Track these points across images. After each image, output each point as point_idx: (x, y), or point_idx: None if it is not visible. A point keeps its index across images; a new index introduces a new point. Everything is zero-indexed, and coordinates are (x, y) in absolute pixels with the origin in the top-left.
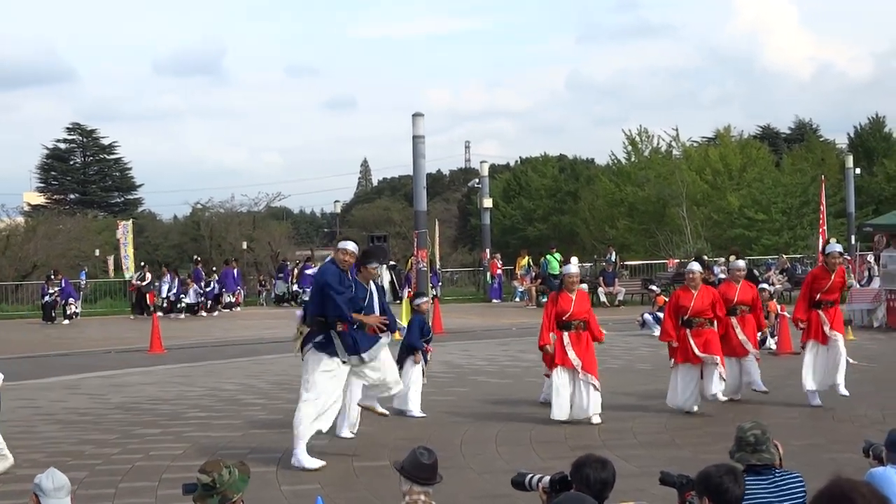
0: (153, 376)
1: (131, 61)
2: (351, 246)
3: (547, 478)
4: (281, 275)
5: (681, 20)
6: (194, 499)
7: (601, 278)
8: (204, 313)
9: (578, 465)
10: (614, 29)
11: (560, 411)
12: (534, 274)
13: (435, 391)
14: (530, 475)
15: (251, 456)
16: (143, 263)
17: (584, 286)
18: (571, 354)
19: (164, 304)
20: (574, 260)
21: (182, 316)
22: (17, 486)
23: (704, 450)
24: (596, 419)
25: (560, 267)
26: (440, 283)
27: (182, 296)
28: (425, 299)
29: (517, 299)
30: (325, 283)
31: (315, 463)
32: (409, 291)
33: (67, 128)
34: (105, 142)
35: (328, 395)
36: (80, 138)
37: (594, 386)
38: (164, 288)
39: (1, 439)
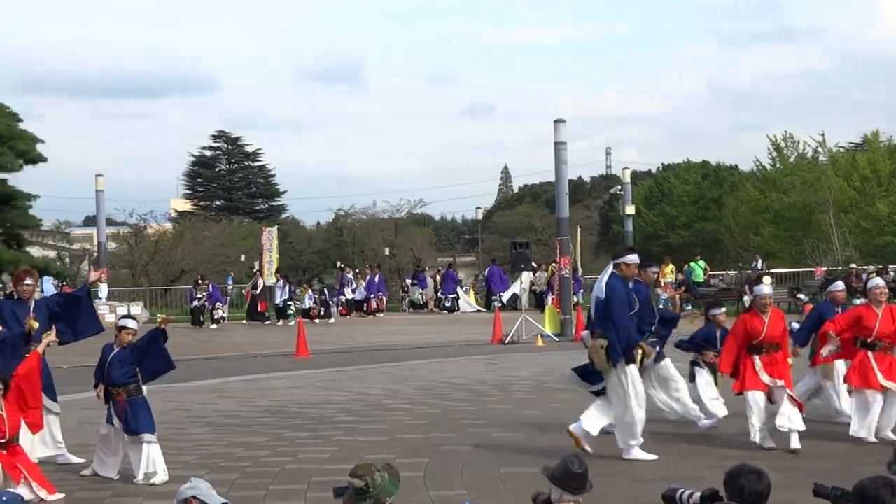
0: (300, 380)
1: (273, 70)
2: (635, 258)
3: (698, 494)
4: (416, 281)
5: (824, 23)
6: (345, 502)
7: (747, 286)
8: (317, 320)
9: (732, 475)
10: (756, 33)
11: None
12: (678, 281)
13: (582, 399)
14: (681, 490)
15: (398, 460)
16: (255, 270)
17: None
18: (766, 378)
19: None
20: (767, 279)
21: (291, 322)
22: (173, 486)
23: (856, 462)
24: (795, 442)
25: (704, 275)
26: (582, 290)
27: (290, 302)
28: (722, 310)
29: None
30: (616, 303)
31: (648, 455)
32: (552, 298)
33: (213, 135)
34: (249, 149)
35: (642, 398)
36: (225, 146)
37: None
38: (278, 294)
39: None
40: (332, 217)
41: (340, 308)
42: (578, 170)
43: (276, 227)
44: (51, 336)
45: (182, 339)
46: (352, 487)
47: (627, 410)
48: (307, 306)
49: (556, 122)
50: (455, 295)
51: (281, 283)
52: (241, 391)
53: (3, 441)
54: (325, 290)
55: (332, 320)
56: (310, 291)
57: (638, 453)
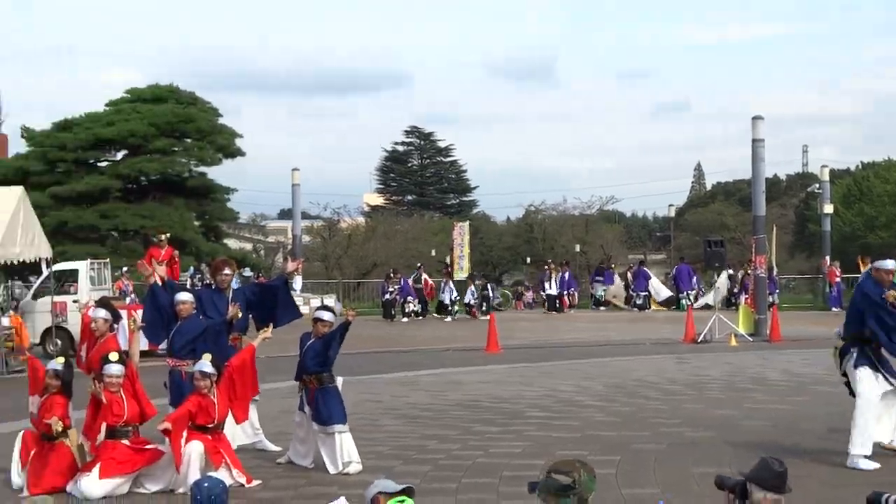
0: (491, 375)
1: (465, 66)
2: (891, 264)
3: None
4: (600, 278)
5: None
6: (544, 499)
7: None
8: (481, 316)
9: None
10: None
11: None
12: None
13: (776, 399)
14: (886, 495)
15: (590, 457)
16: (391, 273)
17: None
18: None
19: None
20: None
21: (405, 320)
22: (366, 475)
23: None
24: None
25: None
26: (777, 290)
27: (409, 298)
28: None
29: None
30: (873, 303)
31: (871, 465)
32: (746, 298)
33: (405, 131)
34: (441, 144)
35: (876, 405)
36: (418, 141)
37: None
38: (444, 290)
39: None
40: (522, 213)
41: (529, 303)
42: (773, 167)
43: (467, 223)
44: (267, 333)
45: (373, 332)
46: (554, 483)
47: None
48: (468, 302)
49: (754, 118)
50: (646, 293)
51: (445, 279)
52: (432, 384)
53: (210, 426)
54: (488, 286)
55: (486, 318)
56: (472, 287)
57: (862, 463)
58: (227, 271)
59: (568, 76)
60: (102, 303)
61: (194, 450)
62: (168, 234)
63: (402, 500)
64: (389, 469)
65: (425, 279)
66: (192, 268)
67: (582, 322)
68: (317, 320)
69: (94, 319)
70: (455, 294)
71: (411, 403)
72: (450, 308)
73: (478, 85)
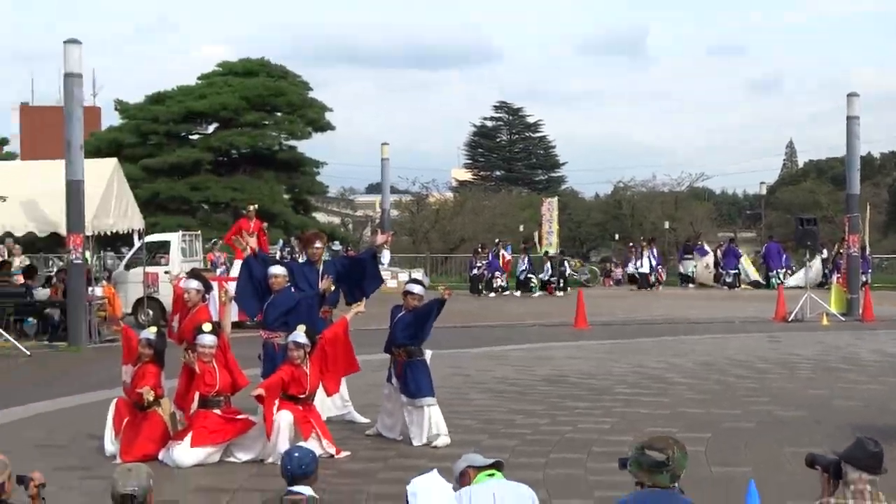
0: (579, 351)
1: (555, 42)
2: None
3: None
4: (689, 255)
5: None
6: (636, 474)
7: None
8: (560, 293)
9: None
10: None
11: None
12: None
13: (868, 379)
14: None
15: (679, 434)
16: (479, 248)
17: None
18: None
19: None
20: None
21: (492, 295)
22: (455, 449)
23: None
24: None
25: None
26: (870, 270)
27: (531, 275)
28: None
29: None
30: None
31: None
32: (837, 277)
33: (494, 106)
34: (530, 120)
35: None
36: (507, 116)
37: None
38: (520, 266)
39: (438, 417)
40: (610, 189)
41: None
42: (867, 146)
43: (555, 198)
44: (360, 307)
45: (461, 307)
46: (649, 459)
47: None
48: (545, 278)
49: (850, 95)
50: (736, 270)
51: (523, 256)
52: (520, 359)
53: (301, 396)
54: (565, 262)
55: (563, 294)
56: (548, 264)
57: None
58: (318, 245)
59: (658, 52)
60: (194, 274)
61: (284, 419)
62: (256, 206)
63: (492, 474)
64: (477, 443)
65: (503, 255)
66: (281, 241)
67: (670, 299)
68: (407, 293)
69: (187, 290)
70: (531, 271)
71: (499, 378)
72: (530, 285)
73: (567, 60)
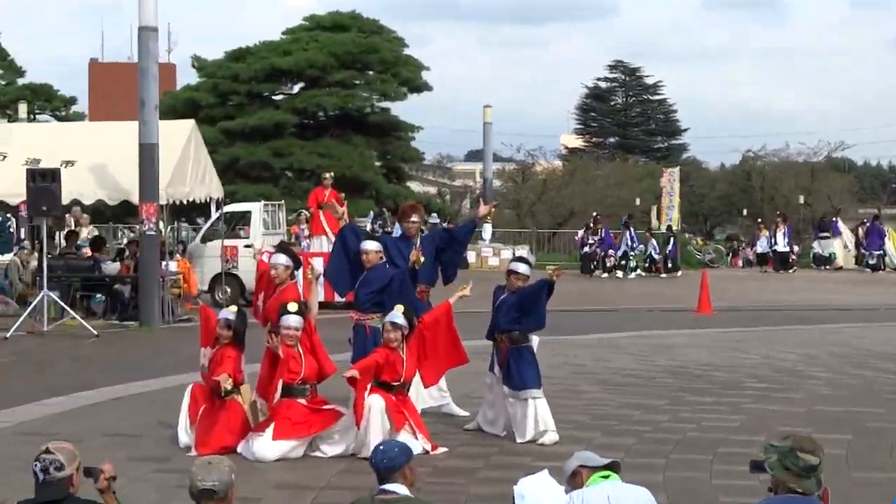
0: (702, 339)
1: None
2: None
3: None
4: (825, 234)
5: None
6: (780, 478)
7: None
8: (664, 275)
9: None
10: None
11: None
12: None
13: None
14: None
15: (815, 435)
16: (591, 222)
17: None
18: None
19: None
20: None
21: (605, 275)
22: (563, 447)
23: None
24: None
25: None
26: None
27: (611, 251)
28: None
29: None
30: None
31: None
32: None
33: (609, 66)
34: (649, 81)
35: None
36: (623, 77)
37: None
38: (623, 242)
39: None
40: (739, 159)
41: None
42: None
43: (677, 168)
44: (465, 290)
45: (571, 288)
46: (800, 463)
47: None
48: (651, 256)
49: None
50: (881, 251)
51: (629, 231)
52: (637, 348)
53: (395, 384)
54: (673, 238)
55: (679, 273)
56: (652, 241)
57: None
58: (414, 218)
59: (793, 6)
60: (283, 248)
61: (375, 405)
62: (332, 174)
63: (607, 476)
64: (589, 441)
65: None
66: (371, 212)
67: (804, 282)
68: (511, 273)
69: (274, 266)
70: (635, 248)
71: (613, 368)
72: (626, 264)
73: (691, 15)
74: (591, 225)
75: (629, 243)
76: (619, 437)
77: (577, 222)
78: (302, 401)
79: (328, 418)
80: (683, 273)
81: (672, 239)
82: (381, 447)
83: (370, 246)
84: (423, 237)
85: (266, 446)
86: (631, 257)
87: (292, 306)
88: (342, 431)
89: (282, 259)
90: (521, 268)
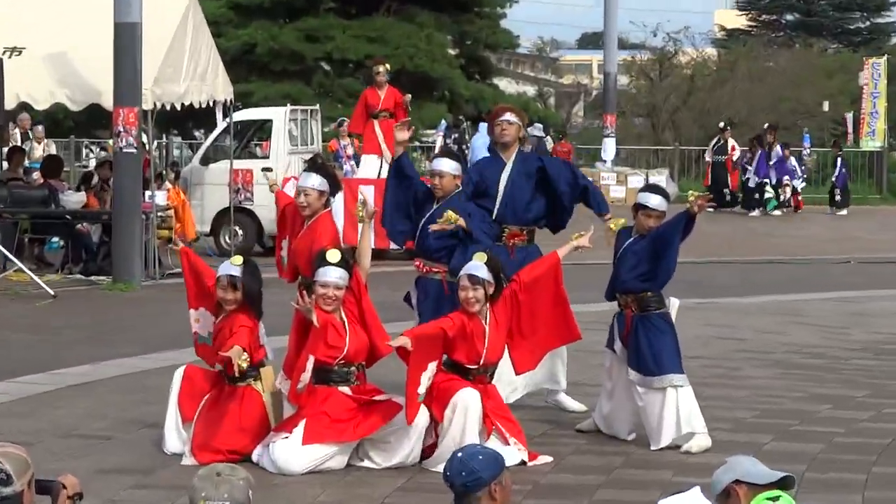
0: None
1: None
2: None
3: None
4: None
5: None
6: None
7: None
8: (838, 211)
9: None
10: None
11: None
12: None
13: None
14: None
15: None
16: (757, 137)
17: None
18: None
19: None
20: None
21: (777, 213)
22: (715, 455)
23: None
24: None
25: None
26: None
27: (768, 179)
28: None
29: None
30: None
31: None
32: None
33: None
34: None
35: None
36: None
37: None
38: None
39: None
40: None
41: None
42: None
43: (883, 59)
44: (582, 239)
45: (723, 230)
46: None
47: None
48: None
49: None
50: None
51: (758, 151)
52: (824, 315)
53: (473, 368)
54: (840, 160)
55: (845, 212)
56: (790, 161)
57: None
58: (508, 117)
59: None
60: (316, 165)
61: (471, 403)
62: (388, 66)
63: (776, 497)
64: (755, 446)
65: (732, 146)
66: (443, 122)
67: None
68: (639, 208)
69: (303, 190)
70: (766, 174)
71: (791, 344)
72: (760, 197)
73: None
74: (756, 142)
75: (781, 165)
76: (798, 441)
77: (738, 136)
78: (345, 389)
79: (381, 415)
80: (851, 210)
81: (839, 161)
82: (460, 456)
83: (445, 166)
84: (523, 156)
85: (293, 453)
86: (766, 186)
87: (333, 255)
88: (401, 435)
89: (314, 181)
90: (654, 200)
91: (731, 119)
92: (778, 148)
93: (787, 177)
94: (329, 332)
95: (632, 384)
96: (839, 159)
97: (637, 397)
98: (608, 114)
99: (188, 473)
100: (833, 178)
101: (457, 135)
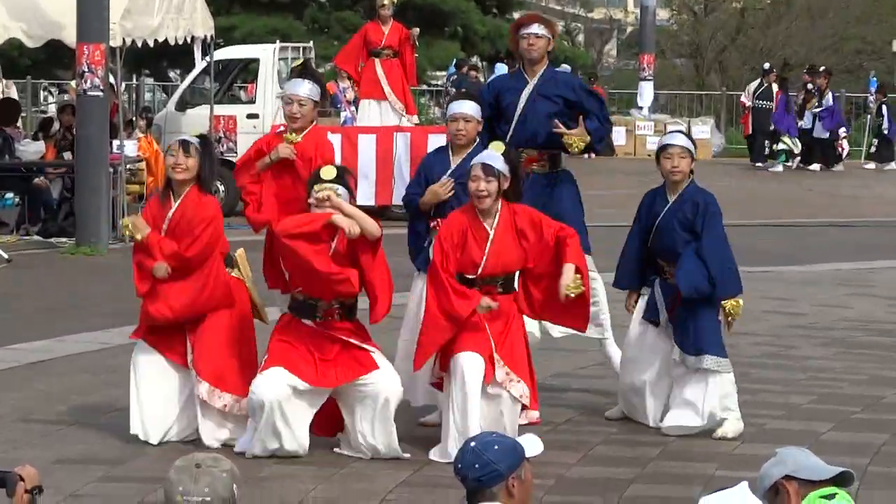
0: None
1: None
2: None
3: None
4: None
5: None
6: None
7: None
8: (882, 165)
9: None
10: None
11: None
12: None
13: None
14: None
15: None
16: (811, 83)
17: None
18: None
19: None
20: None
21: (839, 167)
22: (759, 445)
23: None
24: None
25: None
26: None
27: (843, 132)
28: None
29: None
30: None
31: None
32: None
33: None
34: None
35: None
36: None
37: None
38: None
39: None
40: None
41: None
42: None
43: None
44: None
45: (782, 189)
46: None
47: None
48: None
49: None
50: None
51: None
52: (894, 286)
53: (471, 278)
54: (885, 107)
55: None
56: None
57: None
58: (536, 29)
59: None
60: (306, 71)
61: (468, 364)
62: None
63: (832, 495)
64: (812, 436)
65: (778, 91)
66: (454, 61)
67: None
68: (664, 149)
69: (296, 100)
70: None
71: (853, 320)
72: (775, 150)
73: None
74: (813, 85)
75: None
76: (861, 430)
77: (795, 81)
78: (308, 322)
79: (352, 368)
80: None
81: (884, 109)
82: (473, 446)
83: (469, 108)
84: (549, 72)
85: (258, 380)
86: (783, 138)
87: (327, 171)
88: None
89: (306, 88)
90: (678, 139)
91: (786, 61)
92: (829, 96)
93: (843, 129)
94: (313, 221)
95: (676, 364)
96: (883, 107)
97: (675, 378)
98: (645, 53)
99: (162, 464)
100: (885, 129)
101: (455, 77)
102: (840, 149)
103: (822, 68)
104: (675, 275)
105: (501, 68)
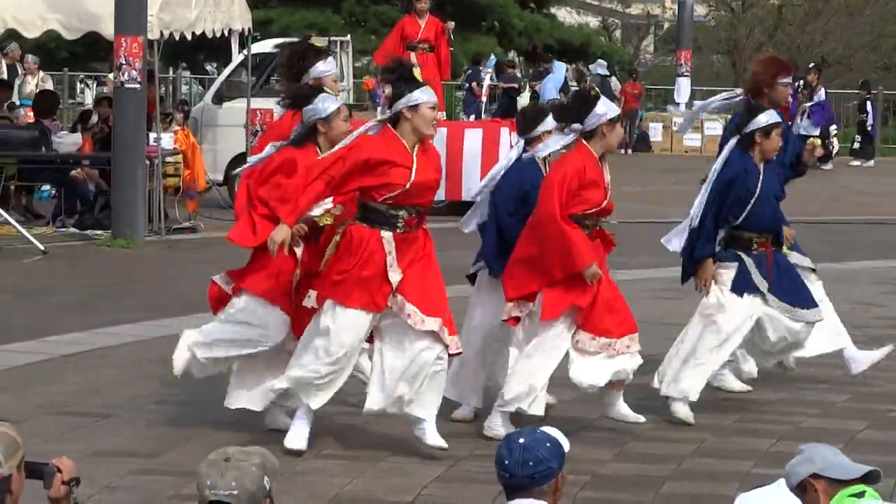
0: None
1: None
2: None
3: None
4: None
5: None
6: None
7: None
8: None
9: None
10: None
11: None
12: None
13: None
14: None
15: None
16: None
17: None
18: None
19: None
20: None
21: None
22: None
23: None
24: None
25: None
26: None
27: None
28: None
29: None
30: None
31: None
32: None
33: None
34: None
35: None
36: None
37: None
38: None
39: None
40: None
41: None
42: None
43: None
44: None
45: (811, 185)
46: None
47: None
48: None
49: None
50: None
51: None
52: None
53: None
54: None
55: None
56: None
57: None
58: (783, 79)
59: None
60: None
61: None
62: None
63: (861, 493)
64: (847, 434)
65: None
66: (493, 57)
67: None
68: (776, 126)
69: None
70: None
71: (890, 318)
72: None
73: None
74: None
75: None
76: None
77: (835, 75)
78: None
79: None
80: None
81: (868, 105)
82: (523, 443)
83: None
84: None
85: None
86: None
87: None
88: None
89: (325, 66)
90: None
91: (823, 58)
92: (822, 92)
93: (833, 126)
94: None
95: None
96: (868, 102)
97: (789, 331)
98: (682, 50)
99: (197, 457)
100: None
101: (470, 71)
102: (830, 146)
103: (811, 65)
104: None
105: (560, 67)
